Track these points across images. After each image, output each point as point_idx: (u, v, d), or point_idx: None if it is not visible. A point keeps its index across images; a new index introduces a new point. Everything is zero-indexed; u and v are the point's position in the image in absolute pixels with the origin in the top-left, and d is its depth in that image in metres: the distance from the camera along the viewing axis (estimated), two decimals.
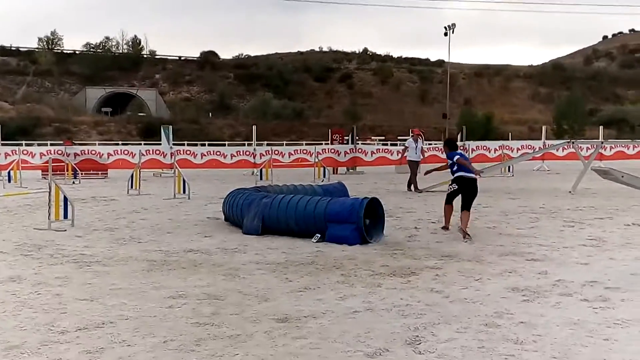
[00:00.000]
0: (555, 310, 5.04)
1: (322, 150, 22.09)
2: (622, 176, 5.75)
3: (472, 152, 23.55)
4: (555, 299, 5.39)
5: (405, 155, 16.65)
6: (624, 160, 23.89)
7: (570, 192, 14.61)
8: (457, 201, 8.89)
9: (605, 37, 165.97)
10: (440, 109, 74.00)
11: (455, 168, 8.95)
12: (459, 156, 9.03)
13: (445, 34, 60.85)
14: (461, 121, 57.14)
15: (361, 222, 7.94)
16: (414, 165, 15.93)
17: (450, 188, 9.04)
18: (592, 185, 15.26)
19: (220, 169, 20.93)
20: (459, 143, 24.46)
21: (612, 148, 23.76)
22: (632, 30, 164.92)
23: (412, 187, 15.52)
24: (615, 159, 23.79)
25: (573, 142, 17.10)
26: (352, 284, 5.91)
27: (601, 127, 26.97)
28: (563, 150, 22.02)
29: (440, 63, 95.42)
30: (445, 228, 9.16)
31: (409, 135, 26.89)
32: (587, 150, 20.50)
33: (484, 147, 24.86)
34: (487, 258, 7.13)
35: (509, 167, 21.06)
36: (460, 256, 7.24)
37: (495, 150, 24.26)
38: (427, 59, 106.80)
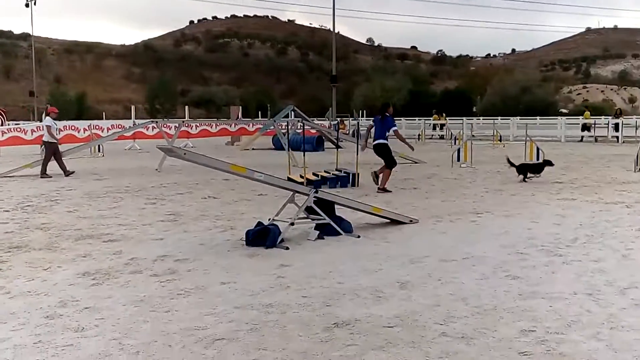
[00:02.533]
0: (124, 289, 5.05)
1: None
2: (185, 153, 6.10)
3: (60, 133, 22.29)
4: (125, 278, 5.40)
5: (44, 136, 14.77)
6: (208, 138, 25.96)
7: (157, 169, 15.10)
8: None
9: (192, 22, 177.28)
10: (28, 86, 68.32)
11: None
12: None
13: (27, 5, 56.22)
14: (52, 99, 53.90)
15: None
16: (53, 147, 14.34)
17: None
18: (178, 162, 16.05)
19: None
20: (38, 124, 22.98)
21: (198, 127, 25.43)
22: (215, 17, 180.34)
23: (50, 171, 14.10)
24: (201, 137, 25.64)
25: (157, 122, 17.66)
26: None
27: (187, 107, 28.68)
28: (152, 129, 22.64)
29: (25, 36, 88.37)
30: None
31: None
32: (174, 129, 21.46)
33: (73, 127, 23.78)
34: (61, 244, 6.77)
35: (99, 147, 20.66)
36: (30, 246, 6.70)
37: (85, 130, 23.47)
38: (11, 32, 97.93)
